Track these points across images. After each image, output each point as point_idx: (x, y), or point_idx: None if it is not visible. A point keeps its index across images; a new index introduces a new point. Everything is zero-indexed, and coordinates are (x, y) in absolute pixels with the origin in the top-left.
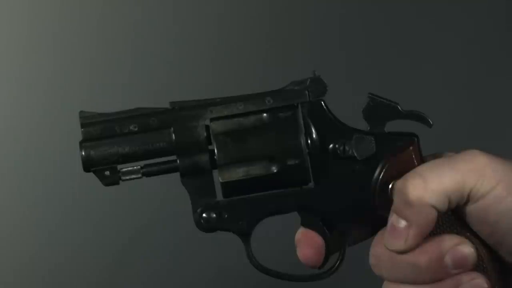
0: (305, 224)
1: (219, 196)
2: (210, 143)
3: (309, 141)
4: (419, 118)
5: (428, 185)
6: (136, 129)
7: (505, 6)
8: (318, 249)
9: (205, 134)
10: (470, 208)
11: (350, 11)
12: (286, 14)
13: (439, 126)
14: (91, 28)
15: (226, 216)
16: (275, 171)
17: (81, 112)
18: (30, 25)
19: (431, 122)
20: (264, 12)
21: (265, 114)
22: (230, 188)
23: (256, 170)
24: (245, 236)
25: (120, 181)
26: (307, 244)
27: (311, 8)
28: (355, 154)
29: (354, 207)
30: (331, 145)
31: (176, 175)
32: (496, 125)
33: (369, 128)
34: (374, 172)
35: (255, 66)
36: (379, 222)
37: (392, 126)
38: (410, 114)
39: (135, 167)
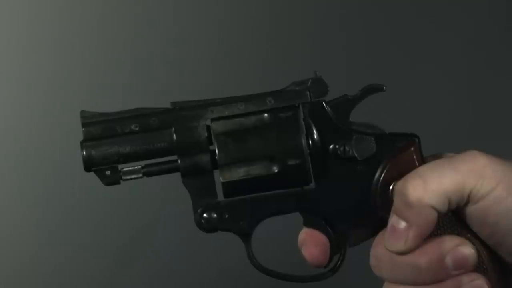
0: (308, 224)
1: (220, 196)
2: (211, 143)
3: (310, 142)
4: (371, 90)
5: (428, 186)
6: (137, 129)
7: (505, 6)
8: (323, 248)
9: (206, 134)
10: (470, 209)
11: (350, 11)
12: (286, 14)
13: (439, 126)
14: (91, 28)
15: (227, 216)
16: (276, 171)
17: (82, 111)
18: (30, 25)
19: (384, 86)
20: (264, 12)
21: (266, 114)
22: (231, 188)
23: (257, 170)
24: (245, 236)
25: (121, 181)
26: (313, 243)
27: (311, 8)
28: (356, 155)
29: (355, 208)
30: (331, 146)
31: (177, 175)
32: (496, 125)
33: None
34: (375, 173)
35: (255, 66)
36: (380, 223)
37: (389, 121)
38: (362, 94)
39: (136, 167)
